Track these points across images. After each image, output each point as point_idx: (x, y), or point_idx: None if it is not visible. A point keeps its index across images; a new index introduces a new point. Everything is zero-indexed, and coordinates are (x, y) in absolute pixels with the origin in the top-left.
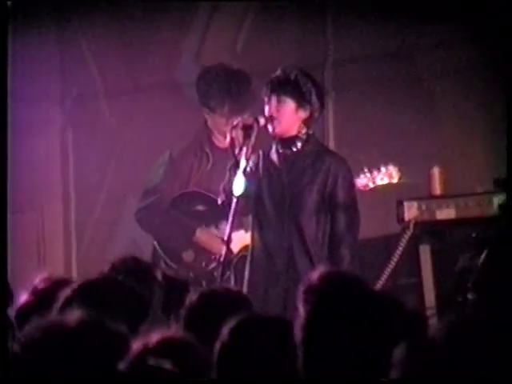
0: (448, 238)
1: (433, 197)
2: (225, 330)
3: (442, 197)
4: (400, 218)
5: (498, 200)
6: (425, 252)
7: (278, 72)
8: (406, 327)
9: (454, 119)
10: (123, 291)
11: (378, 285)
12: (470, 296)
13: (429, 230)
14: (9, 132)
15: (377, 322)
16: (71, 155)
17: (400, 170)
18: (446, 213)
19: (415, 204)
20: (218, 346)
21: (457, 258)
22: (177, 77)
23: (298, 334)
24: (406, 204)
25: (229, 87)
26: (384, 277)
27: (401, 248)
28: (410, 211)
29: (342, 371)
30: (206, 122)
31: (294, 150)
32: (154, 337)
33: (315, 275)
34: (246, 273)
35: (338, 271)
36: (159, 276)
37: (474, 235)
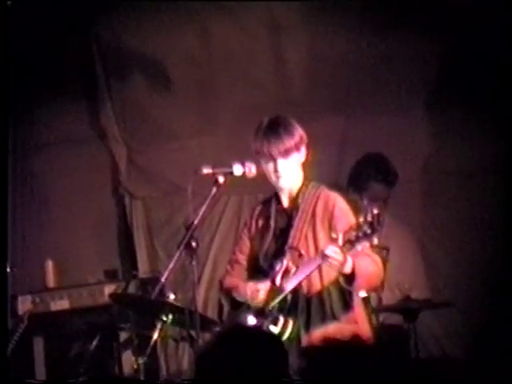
0: (63, 327)
1: (47, 289)
2: None
3: (56, 289)
4: (14, 313)
5: (108, 289)
6: (38, 343)
7: None
8: None
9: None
10: None
11: None
12: (81, 379)
13: (43, 321)
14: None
15: None
16: None
17: None
18: (60, 304)
19: (29, 297)
20: None
21: (71, 346)
22: None
23: None
24: (20, 298)
25: None
26: None
27: (14, 342)
28: (24, 305)
29: None
30: None
31: None
32: None
33: None
34: None
35: None
36: None
37: (85, 323)
